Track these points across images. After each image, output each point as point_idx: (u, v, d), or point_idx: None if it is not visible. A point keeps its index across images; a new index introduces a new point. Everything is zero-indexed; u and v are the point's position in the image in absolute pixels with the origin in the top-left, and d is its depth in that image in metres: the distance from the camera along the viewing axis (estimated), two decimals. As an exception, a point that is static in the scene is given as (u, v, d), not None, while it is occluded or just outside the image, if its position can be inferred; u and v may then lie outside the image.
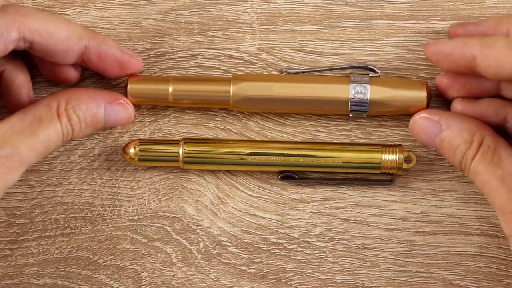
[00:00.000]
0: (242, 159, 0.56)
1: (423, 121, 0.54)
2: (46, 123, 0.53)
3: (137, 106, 0.57)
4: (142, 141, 0.57)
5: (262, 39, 0.58)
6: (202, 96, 0.56)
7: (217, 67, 0.58)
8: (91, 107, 0.54)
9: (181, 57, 0.58)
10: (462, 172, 0.54)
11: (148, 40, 0.58)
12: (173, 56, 0.58)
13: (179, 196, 0.58)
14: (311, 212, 0.58)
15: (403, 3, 0.58)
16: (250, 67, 0.58)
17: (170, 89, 0.56)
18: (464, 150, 0.53)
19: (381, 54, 0.58)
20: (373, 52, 0.58)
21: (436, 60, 0.54)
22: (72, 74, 0.56)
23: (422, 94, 0.55)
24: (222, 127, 0.58)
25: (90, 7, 0.58)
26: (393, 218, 0.57)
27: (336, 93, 0.56)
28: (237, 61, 0.58)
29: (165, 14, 0.58)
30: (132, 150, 0.57)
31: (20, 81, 0.56)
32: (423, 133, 0.54)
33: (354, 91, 0.56)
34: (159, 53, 0.58)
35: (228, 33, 0.58)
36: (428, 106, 0.55)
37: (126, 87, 0.56)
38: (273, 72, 0.58)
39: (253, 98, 0.56)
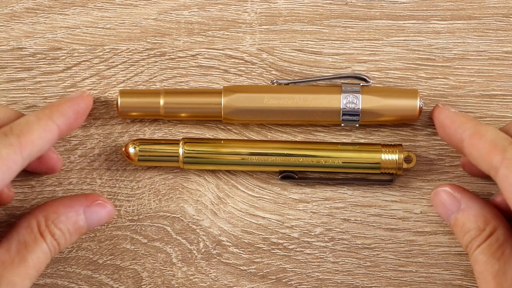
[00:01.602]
0: (242, 159, 0.56)
1: (444, 195, 0.54)
2: (32, 246, 0.52)
3: (131, 116, 0.57)
4: (142, 141, 0.57)
5: (262, 39, 0.58)
6: (193, 109, 0.56)
7: (217, 67, 0.58)
8: (70, 216, 0.54)
9: (181, 57, 0.58)
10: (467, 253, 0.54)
11: (148, 40, 0.58)
12: (173, 56, 0.58)
13: (179, 196, 0.58)
14: (311, 212, 0.58)
15: (403, 3, 0.58)
16: (250, 67, 0.58)
17: (161, 102, 0.56)
18: (474, 236, 0.52)
19: (381, 54, 0.58)
20: (373, 52, 0.58)
21: (437, 125, 0.55)
22: (56, 160, 0.56)
23: (414, 103, 0.55)
24: (222, 127, 0.58)
25: (90, 7, 0.58)
26: (393, 218, 0.57)
27: (327, 103, 0.56)
28: (237, 61, 0.58)
29: (165, 14, 0.58)
30: (132, 150, 0.57)
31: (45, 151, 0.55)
32: (441, 206, 0.54)
33: (345, 100, 0.55)
34: (159, 53, 0.58)
35: (228, 33, 0.58)
36: (420, 114, 0.55)
37: (117, 100, 0.56)
38: (273, 73, 0.58)
39: (244, 109, 0.56)
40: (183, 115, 0.57)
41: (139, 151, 0.57)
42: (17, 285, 0.51)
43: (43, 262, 0.52)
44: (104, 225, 0.58)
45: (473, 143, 0.52)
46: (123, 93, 0.57)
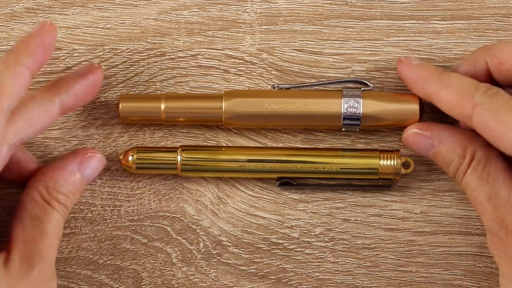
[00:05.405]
0: (240, 166, 0.56)
1: (414, 137, 0.54)
2: (45, 217, 0.53)
3: (132, 120, 0.57)
4: (140, 149, 0.57)
5: (262, 39, 0.58)
6: (194, 113, 0.56)
7: (217, 67, 0.58)
8: (67, 178, 0.54)
9: (181, 57, 0.58)
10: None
11: (148, 40, 0.58)
12: (173, 56, 0.58)
13: (179, 196, 0.58)
14: (311, 212, 0.58)
15: (403, 3, 0.58)
16: (250, 67, 0.58)
17: (162, 106, 0.56)
18: (458, 165, 0.53)
19: (381, 54, 0.58)
20: (373, 52, 0.58)
21: (403, 80, 0.55)
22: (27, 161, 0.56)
23: (415, 107, 0.55)
24: (223, 127, 0.58)
25: (90, 7, 0.58)
26: (393, 218, 0.57)
27: (328, 108, 0.55)
28: (237, 61, 0.58)
29: (165, 14, 0.58)
30: (130, 158, 0.56)
31: (23, 155, 0.55)
32: (416, 148, 0.55)
33: (346, 105, 0.55)
34: (159, 53, 0.58)
35: (228, 33, 0.58)
36: (421, 119, 0.55)
37: (118, 105, 0.56)
38: (273, 73, 0.58)
39: (245, 114, 0.56)
40: (183, 119, 0.57)
41: (137, 159, 0.56)
42: (48, 258, 0.52)
43: (59, 228, 0.53)
44: (104, 225, 0.58)
45: (441, 96, 0.52)
46: (123, 98, 0.56)
